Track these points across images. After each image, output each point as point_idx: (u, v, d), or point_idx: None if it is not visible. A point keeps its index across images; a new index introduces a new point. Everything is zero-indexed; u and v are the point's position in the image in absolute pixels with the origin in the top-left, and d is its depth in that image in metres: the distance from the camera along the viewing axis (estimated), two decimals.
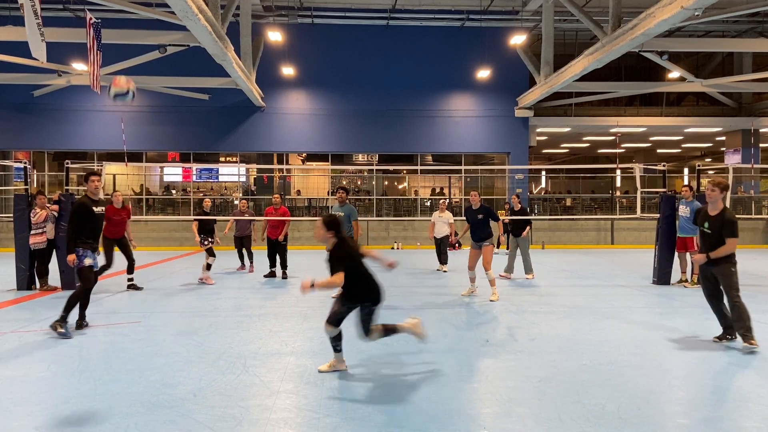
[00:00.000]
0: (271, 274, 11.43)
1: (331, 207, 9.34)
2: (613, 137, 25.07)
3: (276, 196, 11.80)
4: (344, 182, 25.14)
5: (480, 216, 8.88)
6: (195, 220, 10.94)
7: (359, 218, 12.09)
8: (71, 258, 6.26)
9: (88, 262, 6.40)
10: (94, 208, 6.54)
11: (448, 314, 7.58)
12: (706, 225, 5.65)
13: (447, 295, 9.22)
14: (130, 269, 9.76)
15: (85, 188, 6.74)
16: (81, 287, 6.45)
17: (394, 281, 10.86)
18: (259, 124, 21.39)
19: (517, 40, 18.72)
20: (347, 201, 8.98)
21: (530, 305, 8.27)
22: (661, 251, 10.42)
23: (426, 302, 8.60)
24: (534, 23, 20.80)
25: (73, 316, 6.53)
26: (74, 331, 6.45)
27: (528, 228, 11.61)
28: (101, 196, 7.03)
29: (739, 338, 5.81)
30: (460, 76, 21.69)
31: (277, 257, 11.36)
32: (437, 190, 24.97)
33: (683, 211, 10.13)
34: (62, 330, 6.20)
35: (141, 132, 20.94)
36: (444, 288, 10.18)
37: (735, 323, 5.72)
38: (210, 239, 10.80)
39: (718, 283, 5.81)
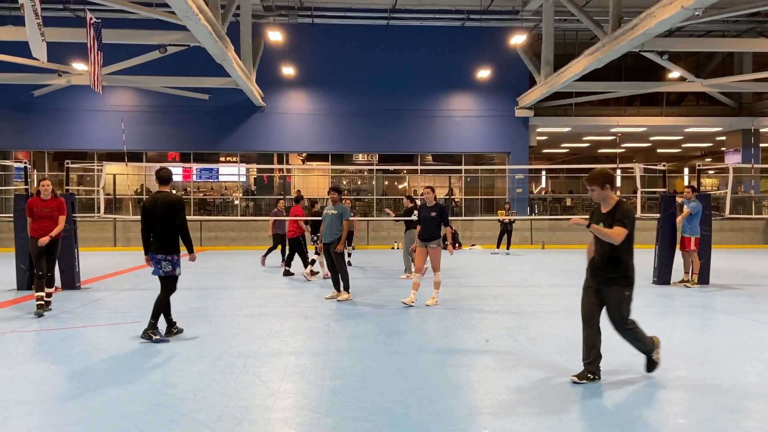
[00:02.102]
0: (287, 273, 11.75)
1: (325, 206, 9.30)
2: (613, 137, 25.05)
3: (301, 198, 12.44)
4: (344, 182, 25.16)
5: (433, 214, 8.28)
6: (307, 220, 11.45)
7: (357, 218, 12.16)
8: None
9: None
10: None
11: (447, 314, 7.58)
12: (601, 226, 4.57)
13: (444, 295, 9.21)
14: (49, 282, 7.55)
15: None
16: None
17: (383, 283, 10.86)
18: (259, 124, 21.39)
19: (517, 40, 18.73)
20: (339, 201, 8.87)
21: (530, 305, 8.26)
22: (661, 251, 10.42)
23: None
24: (534, 23, 20.79)
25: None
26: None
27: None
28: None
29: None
30: (460, 76, 21.69)
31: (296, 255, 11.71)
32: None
33: (687, 210, 10.19)
34: (157, 336, 5.99)
35: (141, 132, 20.94)
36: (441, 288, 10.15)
37: (638, 348, 4.76)
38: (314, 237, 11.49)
39: (602, 304, 4.69)
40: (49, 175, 22.11)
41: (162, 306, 6.14)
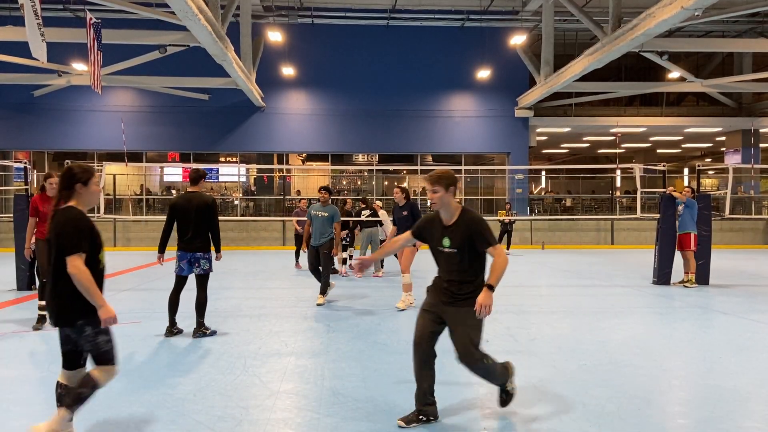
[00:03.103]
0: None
1: (311, 206, 8.71)
2: (613, 137, 25.07)
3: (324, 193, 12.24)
4: (344, 182, 25.16)
5: (404, 213, 8.14)
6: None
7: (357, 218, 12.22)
8: None
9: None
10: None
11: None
12: (447, 243, 3.68)
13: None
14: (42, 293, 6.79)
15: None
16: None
17: (383, 283, 10.87)
18: (259, 124, 21.39)
19: (517, 40, 18.73)
20: (330, 201, 8.50)
21: (530, 305, 8.26)
22: (661, 251, 10.42)
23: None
24: (534, 23, 20.79)
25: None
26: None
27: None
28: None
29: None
30: (460, 76, 21.69)
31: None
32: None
33: (680, 210, 10.27)
34: (209, 330, 6.32)
35: (141, 132, 20.94)
36: None
37: (492, 382, 3.95)
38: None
39: (438, 334, 3.91)
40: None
41: (205, 303, 6.34)
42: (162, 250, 6.32)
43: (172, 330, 6.31)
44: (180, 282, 6.34)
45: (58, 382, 3.38)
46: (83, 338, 3.27)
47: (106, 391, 4.40)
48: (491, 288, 3.53)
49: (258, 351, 5.64)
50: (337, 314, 7.60)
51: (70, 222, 3.20)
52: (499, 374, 3.86)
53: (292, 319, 7.31)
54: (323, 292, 8.31)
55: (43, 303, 6.54)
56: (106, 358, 3.32)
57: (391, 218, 9.24)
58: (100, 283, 3.28)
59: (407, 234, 3.99)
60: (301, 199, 13.53)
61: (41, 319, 6.71)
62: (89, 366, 3.42)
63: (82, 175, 3.31)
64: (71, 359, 3.40)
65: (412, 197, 12.04)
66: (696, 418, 3.93)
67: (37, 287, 7.18)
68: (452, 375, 4.88)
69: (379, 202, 12.78)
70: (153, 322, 6.98)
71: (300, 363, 5.23)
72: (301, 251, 13.08)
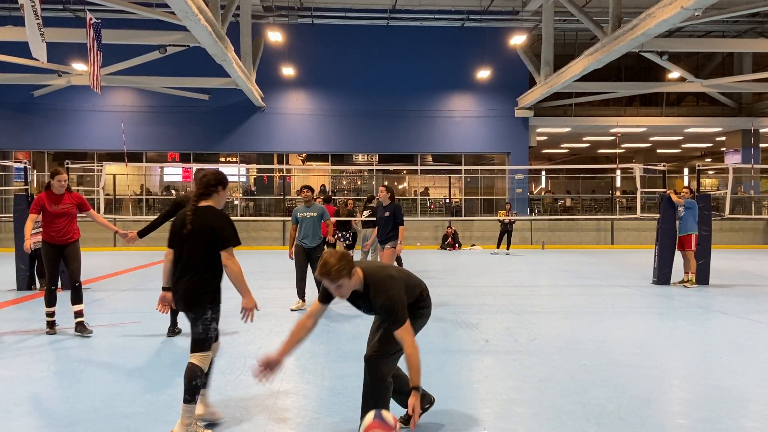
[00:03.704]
0: None
1: (296, 209, 8.22)
2: (613, 137, 25.08)
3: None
4: (344, 182, 25.16)
5: (387, 214, 7.91)
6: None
7: (360, 218, 12.22)
8: None
9: None
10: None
11: (447, 314, 7.57)
12: (364, 308, 3.53)
13: (444, 296, 9.21)
14: (76, 298, 6.36)
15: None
16: None
17: None
18: (259, 124, 21.39)
19: (517, 40, 18.73)
20: (315, 200, 8.24)
21: (530, 305, 8.26)
22: (661, 251, 10.42)
23: None
24: (534, 23, 20.80)
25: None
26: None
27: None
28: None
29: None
30: (460, 76, 21.69)
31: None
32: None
33: (681, 211, 10.29)
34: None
35: (141, 132, 20.95)
36: (439, 288, 10.16)
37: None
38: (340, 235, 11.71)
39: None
40: (49, 175, 22.10)
41: None
42: (142, 235, 6.01)
43: (174, 330, 6.31)
44: None
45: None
46: (201, 320, 3.57)
47: (106, 391, 4.41)
48: (417, 389, 3.17)
49: (258, 351, 5.64)
50: (337, 314, 7.59)
51: (225, 219, 3.62)
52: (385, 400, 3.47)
53: (292, 319, 7.30)
54: (302, 296, 8.02)
55: (52, 309, 6.32)
56: (205, 345, 3.60)
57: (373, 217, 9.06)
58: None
59: (315, 308, 3.52)
60: (316, 198, 13.61)
61: (52, 325, 6.35)
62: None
63: (222, 179, 3.76)
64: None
65: (412, 197, 12.06)
66: (696, 418, 3.93)
67: (45, 294, 6.37)
68: (452, 375, 4.89)
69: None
70: (153, 322, 6.98)
71: (300, 363, 5.23)
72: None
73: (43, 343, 5.97)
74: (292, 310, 7.89)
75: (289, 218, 8.54)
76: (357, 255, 12.95)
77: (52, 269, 6.33)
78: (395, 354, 3.42)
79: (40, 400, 4.24)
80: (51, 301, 6.34)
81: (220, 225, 3.55)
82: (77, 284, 6.36)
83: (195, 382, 3.50)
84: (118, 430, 3.70)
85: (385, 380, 3.42)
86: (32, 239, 9.57)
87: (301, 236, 7.97)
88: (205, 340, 3.59)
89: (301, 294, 8.05)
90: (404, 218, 8.03)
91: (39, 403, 4.17)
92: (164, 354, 5.57)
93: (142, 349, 5.75)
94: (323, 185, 22.45)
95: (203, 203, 3.66)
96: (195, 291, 3.55)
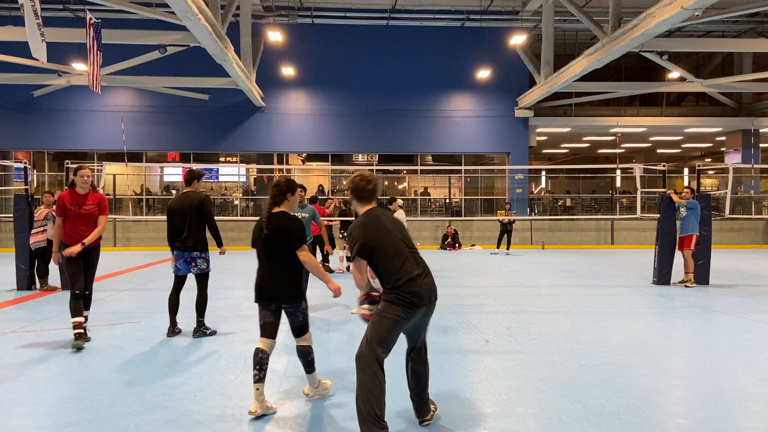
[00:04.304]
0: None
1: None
2: (613, 137, 25.07)
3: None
4: (344, 182, 25.12)
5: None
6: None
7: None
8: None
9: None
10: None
11: (447, 314, 7.57)
12: None
13: (444, 296, 9.21)
14: (85, 304, 6.00)
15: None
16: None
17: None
18: (259, 124, 21.39)
19: (517, 40, 18.72)
20: (307, 202, 8.10)
21: (530, 305, 8.26)
22: (661, 251, 10.42)
23: None
24: (534, 23, 20.80)
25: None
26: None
27: None
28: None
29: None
30: (460, 76, 21.69)
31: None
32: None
33: (682, 212, 10.28)
34: (209, 330, 6.41)
35: (141, 132, 20.94)
36: (439, 288, 10.16)
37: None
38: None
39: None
40: (49, 175, 22.14)
41: (205, 303, 6.39)
42: (172, 251, 6.30)
43: (173, 330, 6.31)
44: (179, 282, 6.35)
45: (257, 348, 4.03)
46: (300, 311, 4.15)
47: (106, 391, 4.41)
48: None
49: None
50: (337, 314, 7.59)
51: (297, 223, 4.14)
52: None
53: None
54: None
55: (80, 320, 5.74)
56: (306, 329, 4.21)
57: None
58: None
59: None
60: (327, 198, 13.64)
61: (81, 337, 5.69)
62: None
63: (293, 186, 4.33)
64: (272, 330, 4.13)
65: (412, 197, 12.04)
66: (696, 418, 3.93)
67: (71, 303, 5.71)
68: (452, 375, 4.89)
69: (400, 201, 12.21)
70: (153, 322, 6.98)
71: (300, 363, 5.22)
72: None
73: (43, 343, 5.97)
74: None
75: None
76: None
77: (75, 273, 5.78)
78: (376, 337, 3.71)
79: (40, 400, 4.24)
80: (77, 309, 5.71)
81: (294, 229, 4.06)
82: (87, 291, 6.07)
83: (310, 357, 4.19)
84: (118, 430, 3.70)
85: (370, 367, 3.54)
86: (33, 238, 9.65)
87: None
88: (305, 325, 4.18)
89: None
90: (404, 218, 8.00)
91: (39, 403, 4.17)
92: (164, 354, 5.57)
93: (142, 349, 5.75)
94: (321, 185, 22.43)
95: (276, 209, 4.18)
96: (290, 287, 4.08)
